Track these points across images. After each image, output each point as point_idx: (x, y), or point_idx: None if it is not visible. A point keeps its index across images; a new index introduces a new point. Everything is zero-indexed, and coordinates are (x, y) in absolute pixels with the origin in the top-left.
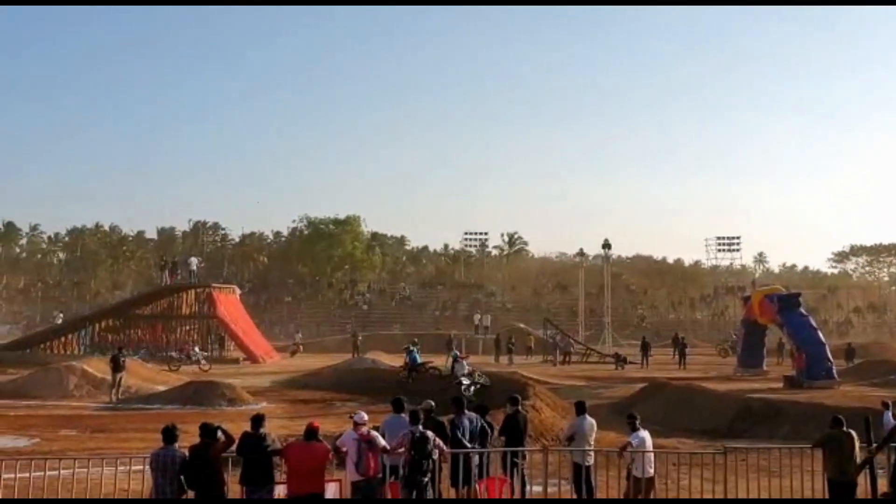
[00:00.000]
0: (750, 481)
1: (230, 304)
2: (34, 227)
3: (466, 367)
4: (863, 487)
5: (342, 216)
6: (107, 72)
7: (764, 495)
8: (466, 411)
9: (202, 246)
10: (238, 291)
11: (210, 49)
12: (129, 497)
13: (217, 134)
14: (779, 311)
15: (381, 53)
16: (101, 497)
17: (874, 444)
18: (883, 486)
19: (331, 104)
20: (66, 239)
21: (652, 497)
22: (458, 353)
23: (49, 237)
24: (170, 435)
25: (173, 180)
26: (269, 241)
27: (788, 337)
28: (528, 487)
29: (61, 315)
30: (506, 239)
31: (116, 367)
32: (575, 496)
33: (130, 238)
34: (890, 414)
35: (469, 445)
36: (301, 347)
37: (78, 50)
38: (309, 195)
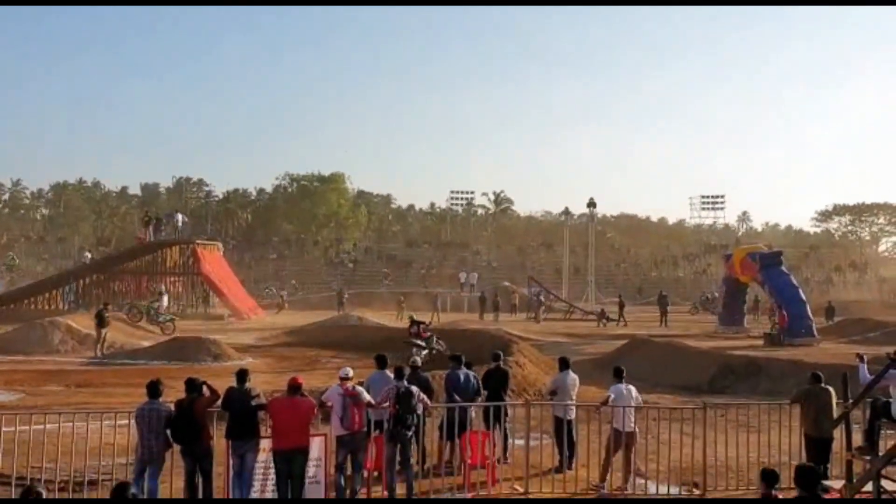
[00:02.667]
0: (729, 436)
1: (214, 260)
2: (16, 183)
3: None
4: (839, 442)
5: (327, 174)
6: (82, 20)
7: (742, 450)
8: (463, 367)
9: (186, 202)
10: (222, 248)
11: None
12: (116, 450)
13: (202, 89)
14: (760, 269)
15: (366, 8)
16: (88, 450)
17: (850, 401)
18: (857, 441)
19: (317, 60)
20: (50, 195)
21: (633, 450)
22: (420, 322)
23: (32, 193)
24: (155, 390)
25: (157, 136)
26: (253, 198)
27: (769, 295)
28: (510, 441)
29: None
30: (492, 198)
31: (101, 322)
32: (557, 449)
33: (114, 194)
34: (865, 367)
35: (458, 399)
36: (286, 304)
37: None
38: (294, 153)
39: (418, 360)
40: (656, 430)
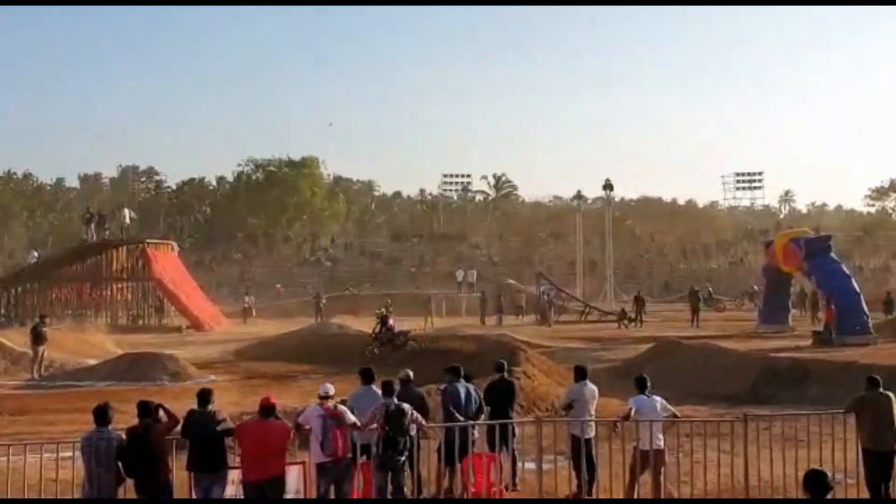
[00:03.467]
0: (773, 452)
1: (168, 262)
2: None
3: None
4: None
5: (298, 158)
6: None
7: (789, 468)
8: (462, 380)
9: (133, 195)
10: (177, 248)
11: None
12: (59, 487)
13: (148, 64)
14: (806, 257)
15: None
16: (26, 487)
17: None
18: None
19: (283, 27)
20: None
21: (662, 471)
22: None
23: None
24: (102, 415)
25: (98, 118)
26: (212, 188)
27: (817, 287)
28: (519, 464)
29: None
30: (491, 182)
31: (38, 339)
32: (574, 473)
33: (49, 187)
34: None
35: (460, 417)
36: (253, 311)
37: None
38: (260, 135)
39: (409, 372)
40: (689, 447)
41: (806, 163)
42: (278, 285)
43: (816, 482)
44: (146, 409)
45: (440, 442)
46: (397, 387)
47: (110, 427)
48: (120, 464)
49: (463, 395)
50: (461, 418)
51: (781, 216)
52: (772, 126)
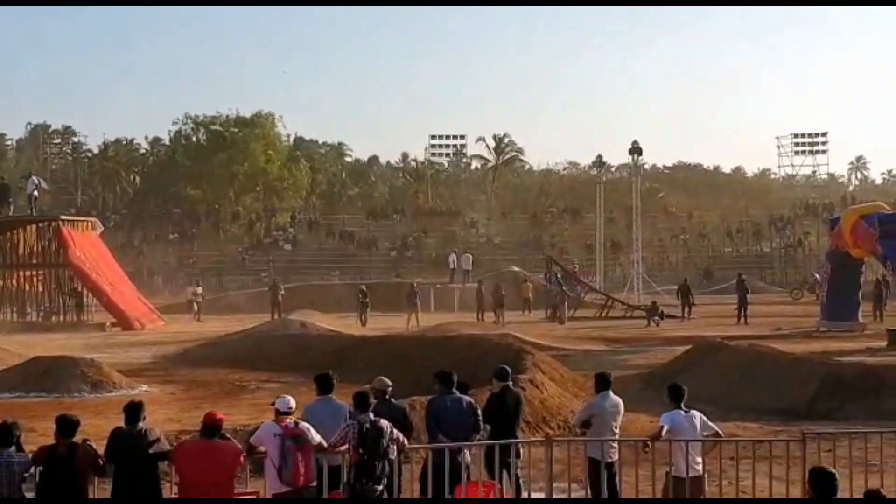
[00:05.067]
0: (839, 479)
1: (88, 244)
2: None
3: None
4: None
5: (248, 114)
6: None
7: (857, 496)
8: (455, 391)
9: (45, 161)
10: (100, 227)
11: None
12: None
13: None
14: (881, 237)
15: None
16: None
17: None
18: None
19: None
20: None
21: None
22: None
23: None
24: (4, 434)
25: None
26: (143, 152)
27: (893, 274)
28: (524, 494)
29: None
30: (491, 145)
31: None
32: None
33: None
34: None
35: (444, 438)
36: (198, 306)
37: None
38: (201, 86)
39: (387, 381)
40: (734, 472)
41: (882, 123)
42: (181, 274)
43: (822, 482)
44: (69, 427)
45: (423, 467)
46: (373, 400)
47: (12, 448)
48: (23, 489)
49: (453, 411)
50: (444, 440)
51: (850, 188)
52: (839, 77)
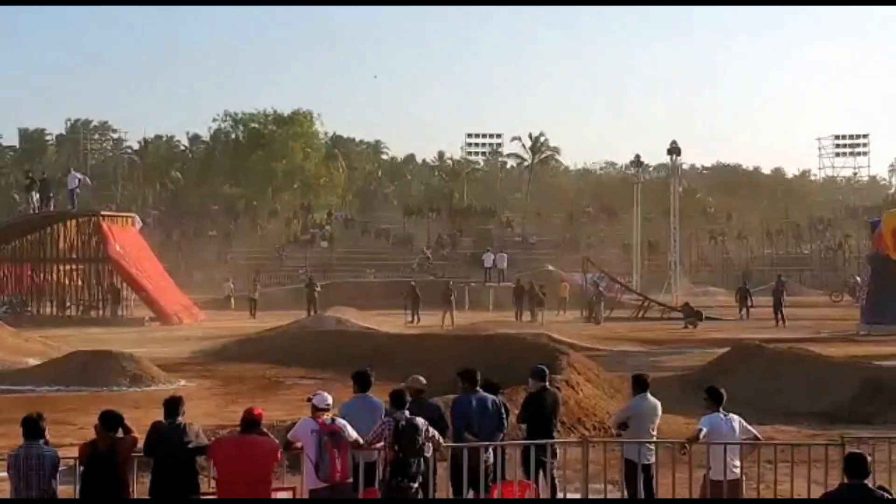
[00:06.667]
0: (877, 483)
1: (128, 239)
2: None
3: None
4: None
5: (287, 112)
6: None
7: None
8: (479, 390)
9: (85, 156)
10: (139, 223)
11: None
12: None
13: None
14: None
15: None
16: None
17: None
18: None
19: None
20: None
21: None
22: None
23: None
24: (33, 427)
25: (42, 63)
26: (183, 149)
27: None
28: (559, 494)
29: None
30: (527, 144)
31: None
32: None
33: None
34: None
35: (471, 437)
36: (233, 301)
37: None
38: (241, 84)
39: (422, 379)
40: (772, 476)
41: None
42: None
43: (858, 466)
44: (112, 422)
45: (451, 467)
46: (409, 398)
47: (41, 441)
48: (56, 484)
49: (476, 410)
50: (472, 438)
51: (892, 190)
52: (882, 79)
